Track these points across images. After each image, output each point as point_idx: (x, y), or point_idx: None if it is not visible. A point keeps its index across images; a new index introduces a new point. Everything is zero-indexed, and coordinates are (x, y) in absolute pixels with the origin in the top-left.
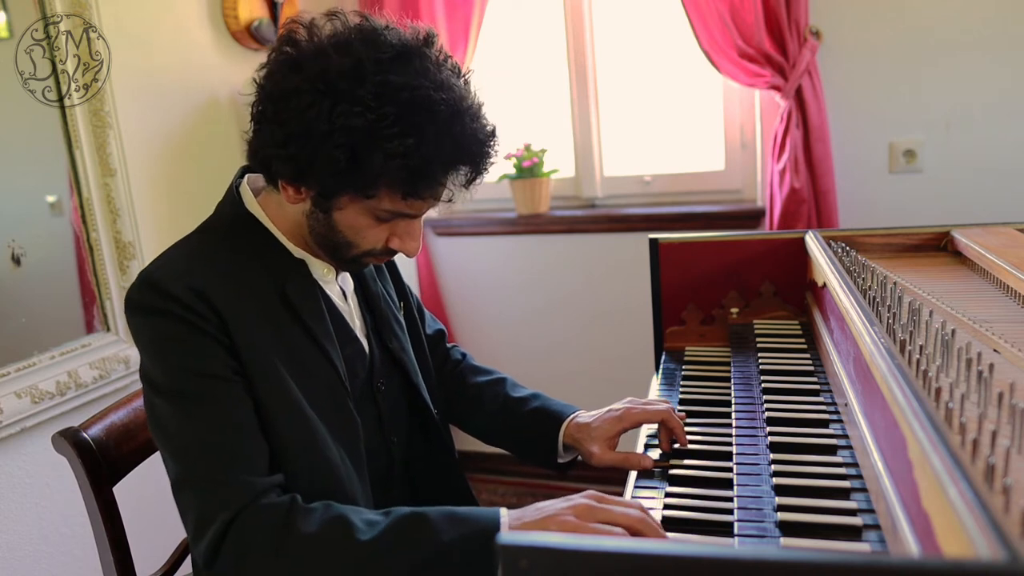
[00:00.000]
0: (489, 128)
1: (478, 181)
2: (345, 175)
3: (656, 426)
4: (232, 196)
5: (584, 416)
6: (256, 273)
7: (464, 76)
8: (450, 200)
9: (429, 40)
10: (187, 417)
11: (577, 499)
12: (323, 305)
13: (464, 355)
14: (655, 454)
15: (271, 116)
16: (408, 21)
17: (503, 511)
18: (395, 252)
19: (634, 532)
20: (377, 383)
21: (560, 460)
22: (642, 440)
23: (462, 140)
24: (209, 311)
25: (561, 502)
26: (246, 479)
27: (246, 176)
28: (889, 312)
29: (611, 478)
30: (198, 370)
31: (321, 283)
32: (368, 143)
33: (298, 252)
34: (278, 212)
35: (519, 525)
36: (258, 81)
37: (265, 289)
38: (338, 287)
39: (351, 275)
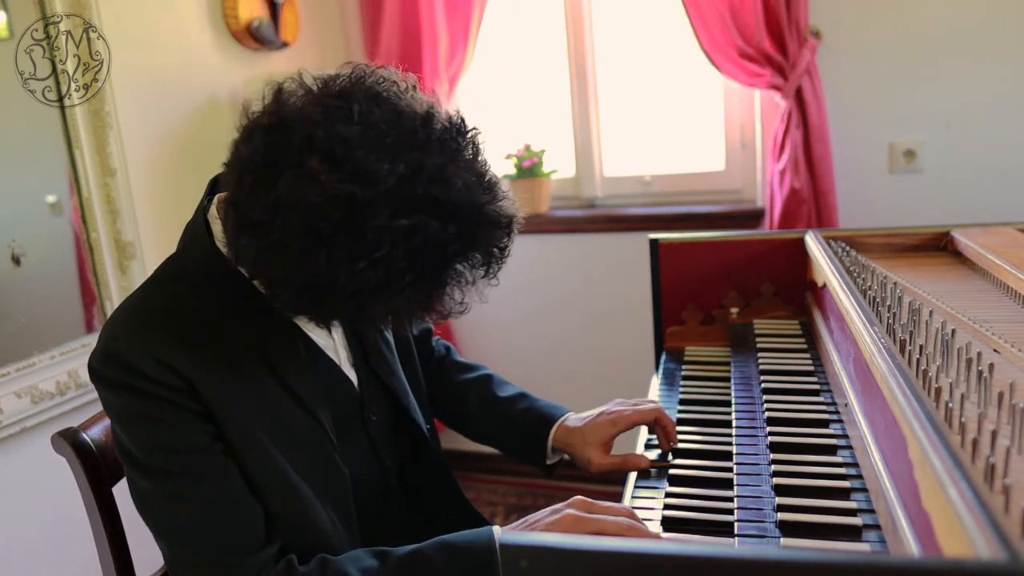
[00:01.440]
0: (506, 216)
1: (498, 270)
2: (354, 319)
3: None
4: (199, 230)
5: (574, 419)
6: (231, 329)
7: (472, 139)
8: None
9: (428, 121)
10: (172, 496)
11: (565, 510)
12: (304, 353)
13: (448, 349)
14: (654, 454)
15: (254, 243)
16: (399, 87)
17: (496, 531)
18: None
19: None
20: (368, 415)
21: (548, 461)
22: (642, 440)
23: (481, 256)
24: (179, 381)
25: (548, 515)
26: (241, 558)
27: (216, 197)
28: (889, 312)
29: (610, 478)
30: (176, 447)
31: (301, 323)
32: (381, 295)
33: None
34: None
35: None
36: (230, 161)
37: (242, 348)
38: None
39: None
